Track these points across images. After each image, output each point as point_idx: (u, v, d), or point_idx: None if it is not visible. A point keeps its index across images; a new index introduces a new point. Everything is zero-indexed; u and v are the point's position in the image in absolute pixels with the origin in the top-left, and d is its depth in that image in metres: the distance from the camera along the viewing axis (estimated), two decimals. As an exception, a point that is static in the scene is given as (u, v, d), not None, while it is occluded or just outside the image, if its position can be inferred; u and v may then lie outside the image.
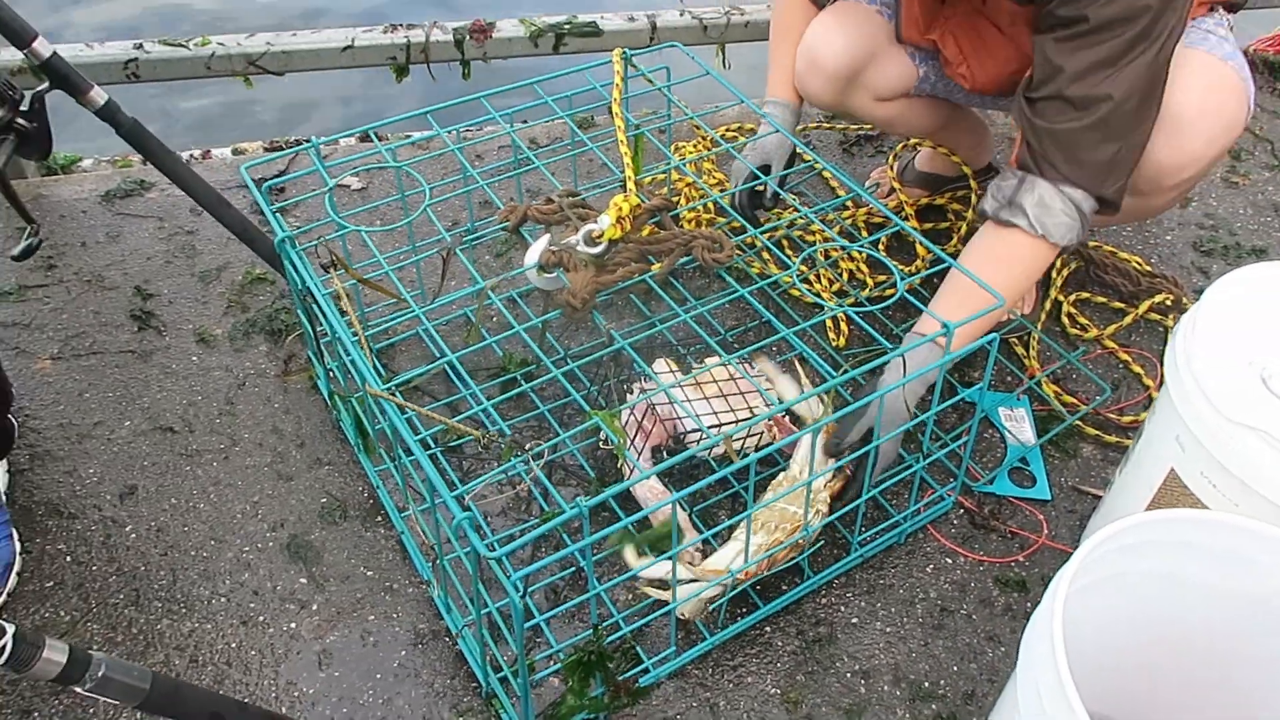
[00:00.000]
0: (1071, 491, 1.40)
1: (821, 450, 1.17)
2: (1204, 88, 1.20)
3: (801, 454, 1.20)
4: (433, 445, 1.34)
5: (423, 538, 1.24)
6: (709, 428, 1.22)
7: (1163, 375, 1.07)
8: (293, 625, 1.19)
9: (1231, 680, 0.99)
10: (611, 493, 0.94)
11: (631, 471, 1.24)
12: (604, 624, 1.11)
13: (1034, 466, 1.42)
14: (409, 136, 1.95)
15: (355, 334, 1.07)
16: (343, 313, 1.10)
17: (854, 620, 1.23)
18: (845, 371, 1.08)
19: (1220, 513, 0.93)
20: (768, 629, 1.22)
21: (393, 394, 0.99)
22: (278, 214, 1.22)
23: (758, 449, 1.30)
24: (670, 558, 1.03)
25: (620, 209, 1.15)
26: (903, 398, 1.16)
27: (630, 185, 1.23)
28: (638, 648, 1.16)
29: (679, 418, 1.28)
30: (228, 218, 1.42)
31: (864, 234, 1.72)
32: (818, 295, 1.61)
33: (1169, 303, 1.65)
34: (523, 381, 1.40)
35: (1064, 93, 1.14)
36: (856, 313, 1.18)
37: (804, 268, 1.64)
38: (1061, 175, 1.18)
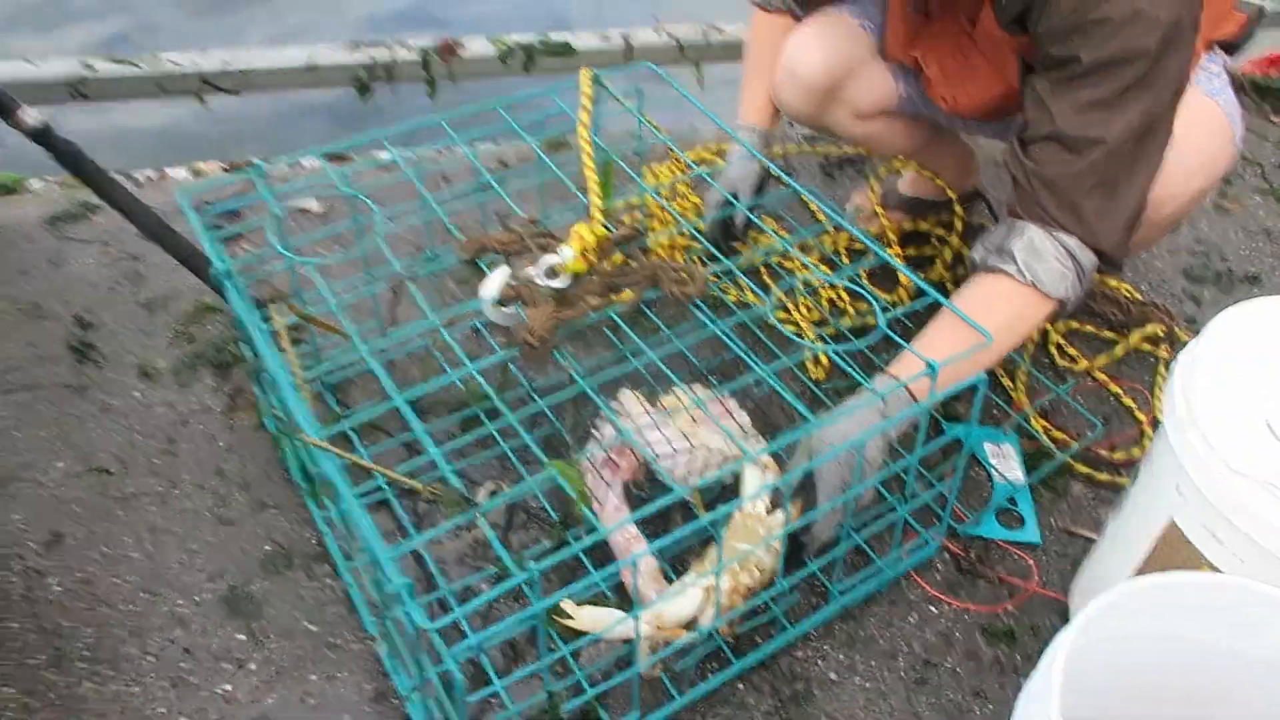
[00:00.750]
0: (1062, 534, 1.33)
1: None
2: (1183, 123, 1.14)
3: (749, 493, 1.13)
4: (386, 489, 1.26)
5: (369, 591, 1.16)
6: (679, 453, 1.15)
7: (1155, 409, 1.00)
8: (228, 687, 1.10)
9: (1238, 749, 0.92)
10: (564, 556, 0.86)
11: (595, 523, 1.16)
12: (563, 685, 1.02)
13: (1022, 507, 1.35)
14: (377, 158, 1.88)
15: (294, 374, 0.99)
16: (281, 350, 1.02)
17: (832, 676, 1.16)
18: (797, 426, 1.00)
19: (1226, 576, 0.86)
20: (740, 686, 1.14)
21: (340, 437, 0.91)
22: (221, 242, 1.14)
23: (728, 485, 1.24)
24: (635, 615, 0.95)
25: (584, 240, 1.08)
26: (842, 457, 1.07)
27: (595, 213, 1.16)
28: (600, 710, 1.07)
29: (649, 443, 1.21)
30: (173, 244, 1.34)
31: (845, 260, 1.66)
32: (796, 326, 1.54)
33: (1161, 333, 1.59)
34: (485, 419, 1.32)
35: (1056, 133, 1.08)
36: (836, 350, 1.12)
37: (782, 296, 1.57)
38: (1053, 220, 1.11)
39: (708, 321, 1.15)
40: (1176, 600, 0.85)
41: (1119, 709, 0.94)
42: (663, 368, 1.10)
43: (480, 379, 1.10)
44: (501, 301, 1.08)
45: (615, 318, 1.09)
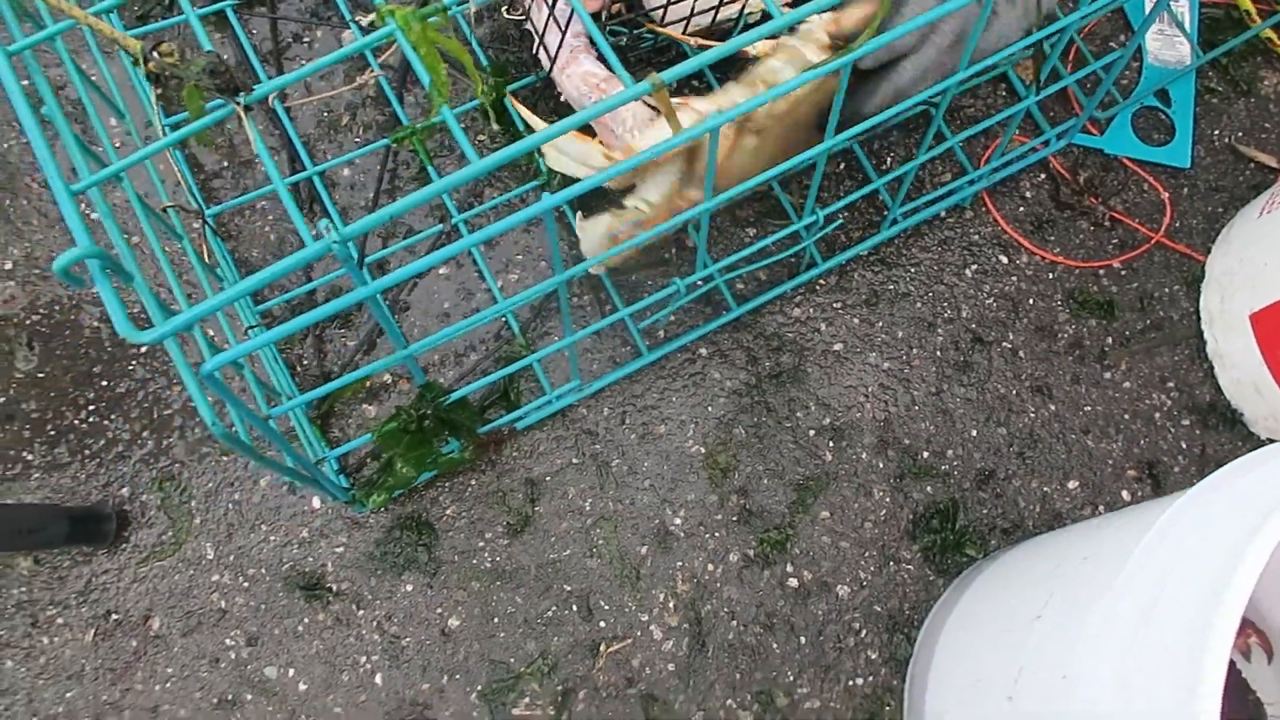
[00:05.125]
0: (1224, 153, 0.88)
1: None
2: None
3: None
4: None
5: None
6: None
7: None
8: None
9: None
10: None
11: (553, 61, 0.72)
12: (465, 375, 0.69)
13: (1177, 108, 0.88)
14: None
15: None
16: None
17: (836, 347, 0.81)
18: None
19: None
20: (703, 352, 0.80)
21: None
22: None
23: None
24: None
25: None
26: None
27: None
28: (540, 374, 0.75)
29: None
30: None
31: None
32: None
33: None
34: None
35: None
36: None
37: None
38: None
39: None
40: None
41: None
42: None
43: None
44: None
45: None
